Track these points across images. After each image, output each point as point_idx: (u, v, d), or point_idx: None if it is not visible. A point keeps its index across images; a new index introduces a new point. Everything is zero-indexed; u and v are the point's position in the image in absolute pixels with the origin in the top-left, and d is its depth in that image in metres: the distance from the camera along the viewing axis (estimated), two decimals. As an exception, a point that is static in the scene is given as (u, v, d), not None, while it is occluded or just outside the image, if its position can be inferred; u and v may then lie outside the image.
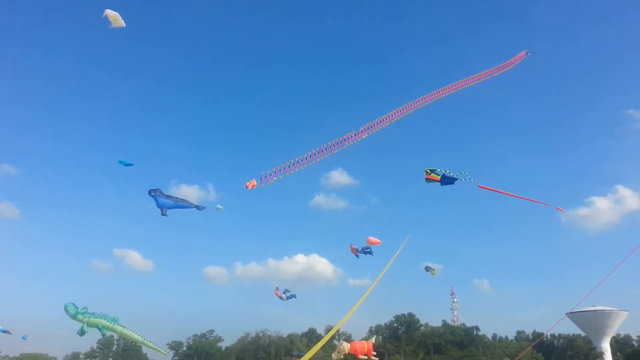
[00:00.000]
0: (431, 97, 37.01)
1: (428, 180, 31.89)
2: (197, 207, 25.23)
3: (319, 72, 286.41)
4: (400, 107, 34.24)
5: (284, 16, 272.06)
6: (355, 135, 31.38)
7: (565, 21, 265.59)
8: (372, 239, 46.19)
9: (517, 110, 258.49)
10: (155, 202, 24.17)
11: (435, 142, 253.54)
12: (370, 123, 31.95)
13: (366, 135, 31.18)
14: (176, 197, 24.84)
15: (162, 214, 24.13)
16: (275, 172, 26.83)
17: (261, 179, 26.34)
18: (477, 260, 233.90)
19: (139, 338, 29.48)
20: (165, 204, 24.27)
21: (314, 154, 28.20)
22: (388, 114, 33.04)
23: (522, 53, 54.43)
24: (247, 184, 25.76)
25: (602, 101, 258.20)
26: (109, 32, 28.06)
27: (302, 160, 27.87)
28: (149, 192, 24.43)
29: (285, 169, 27.18)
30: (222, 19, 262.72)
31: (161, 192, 24.58)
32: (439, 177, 31.09)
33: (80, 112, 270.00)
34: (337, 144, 30.54)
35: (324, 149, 29.23)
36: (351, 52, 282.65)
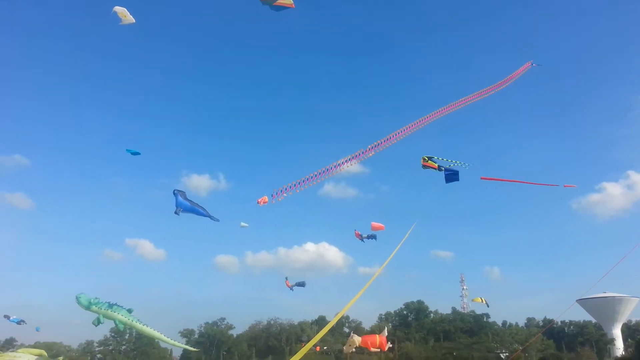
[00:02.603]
0: (437, 114, 37.71)
1: (425, 167, 32.17)
2: (212, 218, 25.95)
3: (332, 62, 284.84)
4: (407, 125, 35.22)
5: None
6: (362, 153, 32.61)
7: (574, 6, 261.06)
8: (375, 224, 46.73)
9: (528, 97, 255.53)
10: (175, 200, 24.90)
11: (445, 129, 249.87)
12: (378, 142, 33.19)
13: (373, 153, 32.46)
14: (195, 203, 25.59)
15: (175, 212, 24.81)
16: (286, 189, 28.26)
17: (272, 196, 27.67)
18: (487, 247, 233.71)
19: (159, 335, 29.59)
20: (183, 204, 24.99)
21: (322, 173, 30.00)
22: (395, 131, 34.28)
23: (527, 64, 54.55)
24: (259, 200, 26.84)
25: (613, 87, 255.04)
26: (120, 27, 28.33)
27: (311, 178, 29.59)
28: (174, 191, 25.20)
29: (295, 185, 28.66)
30: (232, 11, 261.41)
31: (185, 194, 25.39)
32: (436, 165, 31.49)
33: (91, 103, 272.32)
34: (344, 162, 31.95)
35: (331, 168, 31.01)
36: (370, 42, 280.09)
